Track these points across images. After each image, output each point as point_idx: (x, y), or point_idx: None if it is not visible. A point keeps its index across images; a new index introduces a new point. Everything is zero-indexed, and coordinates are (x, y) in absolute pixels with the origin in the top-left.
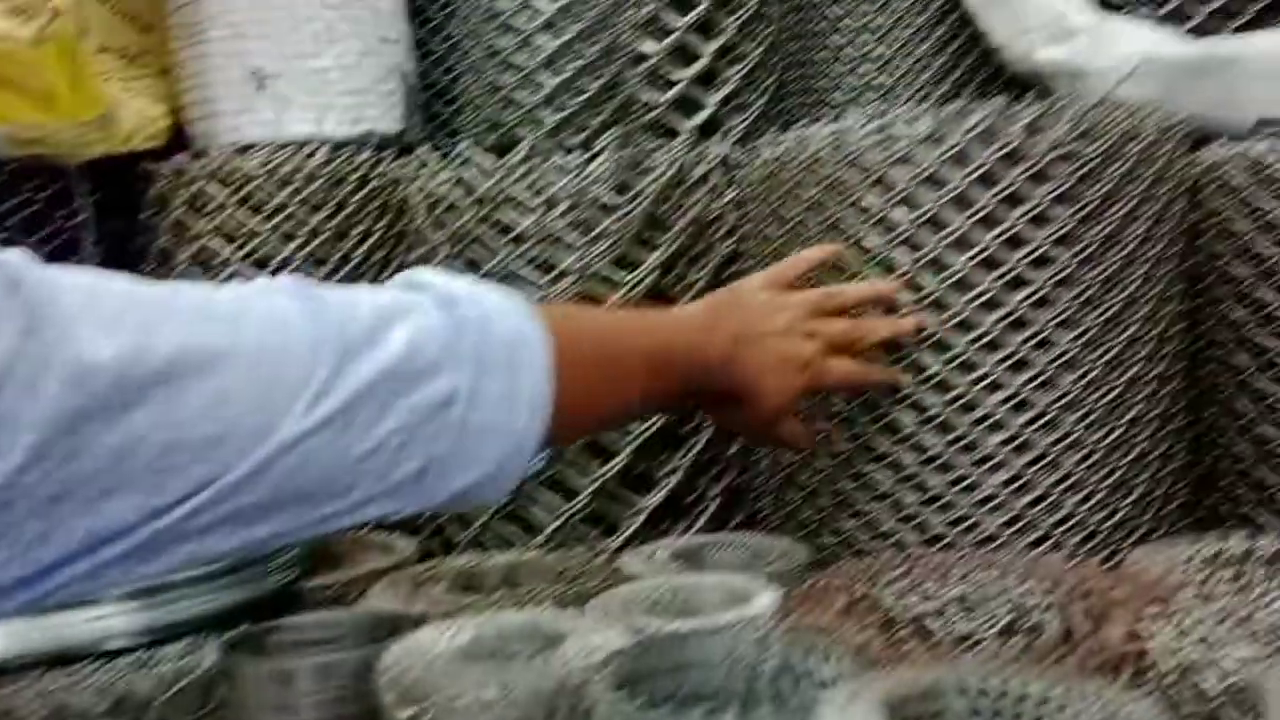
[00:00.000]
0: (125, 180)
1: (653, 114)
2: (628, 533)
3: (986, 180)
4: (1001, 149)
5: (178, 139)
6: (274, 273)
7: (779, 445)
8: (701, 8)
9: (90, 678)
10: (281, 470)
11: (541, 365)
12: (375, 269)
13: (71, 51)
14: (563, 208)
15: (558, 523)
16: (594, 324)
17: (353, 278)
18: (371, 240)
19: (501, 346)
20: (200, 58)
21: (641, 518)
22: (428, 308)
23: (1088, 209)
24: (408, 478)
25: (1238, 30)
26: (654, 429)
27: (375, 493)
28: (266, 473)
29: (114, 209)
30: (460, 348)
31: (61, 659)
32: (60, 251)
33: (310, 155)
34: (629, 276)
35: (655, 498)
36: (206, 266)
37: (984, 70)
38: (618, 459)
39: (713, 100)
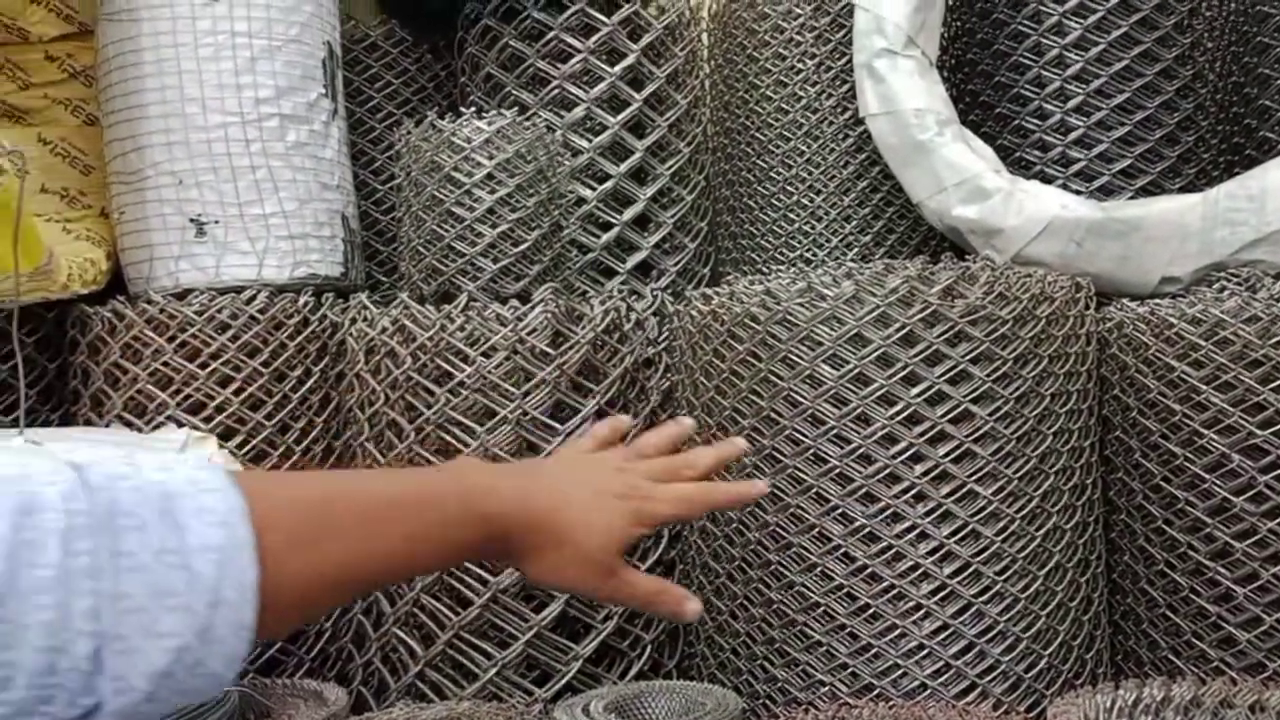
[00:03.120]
0: (60, 323)
1: (590, 255)
2: (562, 681)
3: (907, 340)
4: (920, 312)
5: (115, 280)
6: (209, 417)
7: (621, 602)
8: (636, 156)
9: None
10: None
11: (220, 512)
12: (314, 411)
13: (13, 208)
14: (500, 356)
15: (492, 670)
16: (325, 477)
17: (291, 420)
18: (310, 383)
19: (145, 502)
20: (139, 204)
21: (576, 665)
22: (55, 477)
23: (1003, 368)
24: (78, 663)
25: (1140, 190)
26: None
27: (46, 685)
28: None
29: (48, 350)
30: (90, 511)
31: None
32: None
33: (249, 300)
34: (566, 424)
35: (589, 645)
36: (141, 412)
37: (904, 222)
38: (552, 606)
39: (648, 242)
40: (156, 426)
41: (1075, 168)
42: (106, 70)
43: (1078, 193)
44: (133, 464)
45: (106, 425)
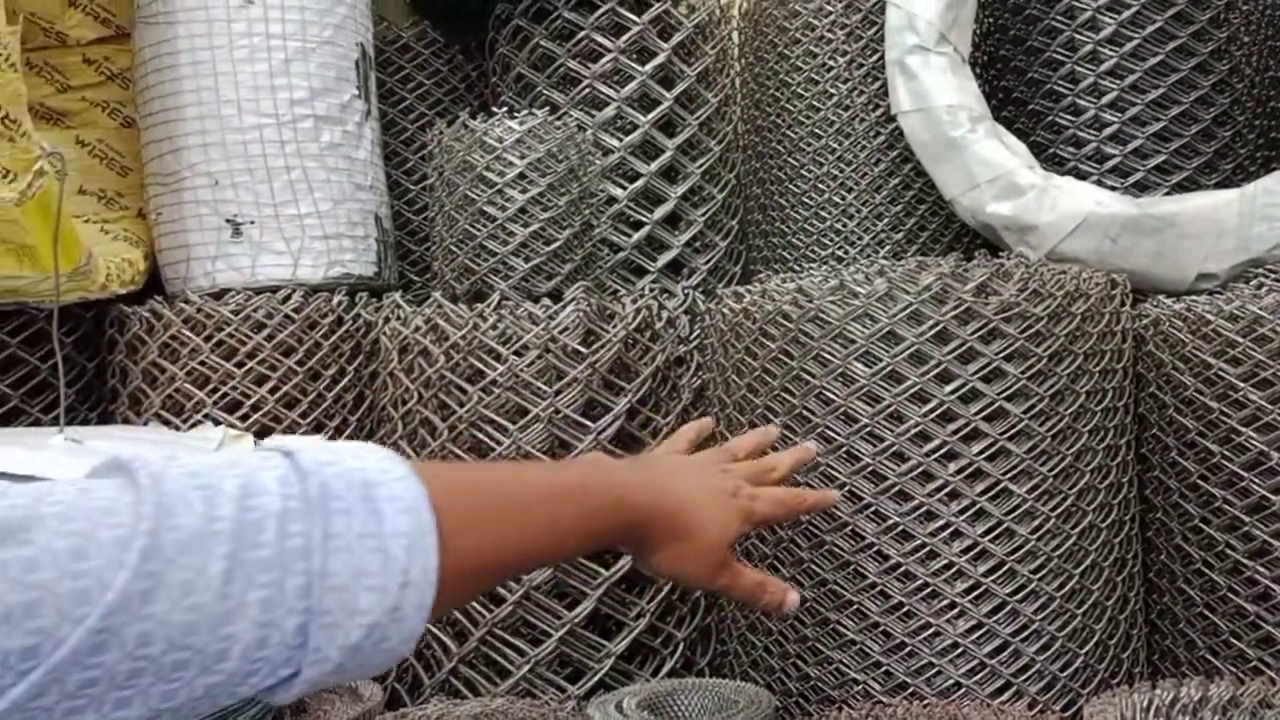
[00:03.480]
0: (99, 322)
1: (621, 254)
2: (595, 678)
3: (940, 338)
4: (953, 309)
5: (153, 280)
6: (245, 416)
7: (729, 593)
8: (667, 155)
9: None
10: (122, 637)
11: (408, 499)
12: (348, 410)
13: (52, 208)
14: (532, 355)
15: (525, 667)
16: (482, 467)
17: (326, 418)
18: (344, 381)
19: (351, 488)
20: (176, 205)
21: (609, 662)
22: (267, 463)
23: (1037, 365)
24: (287, 638)
25: (1175, 186)
26: (620, 573)
27: (256, 659)
28: (103, 640)
29: (87, 349)
30: (303, 495)
31: None
32: (34, 393)
33: (285, 300)
34: (598, 422)
35: (622, 643)
36: (179, 410)
37: (936, 219)
38: (585, 603)
39: (679, 240)
40: (194, 425)
41: (1110, 164)
42: (143, 73)
43: (1112, 189)
44: (334, 451)
45: (145, 423)
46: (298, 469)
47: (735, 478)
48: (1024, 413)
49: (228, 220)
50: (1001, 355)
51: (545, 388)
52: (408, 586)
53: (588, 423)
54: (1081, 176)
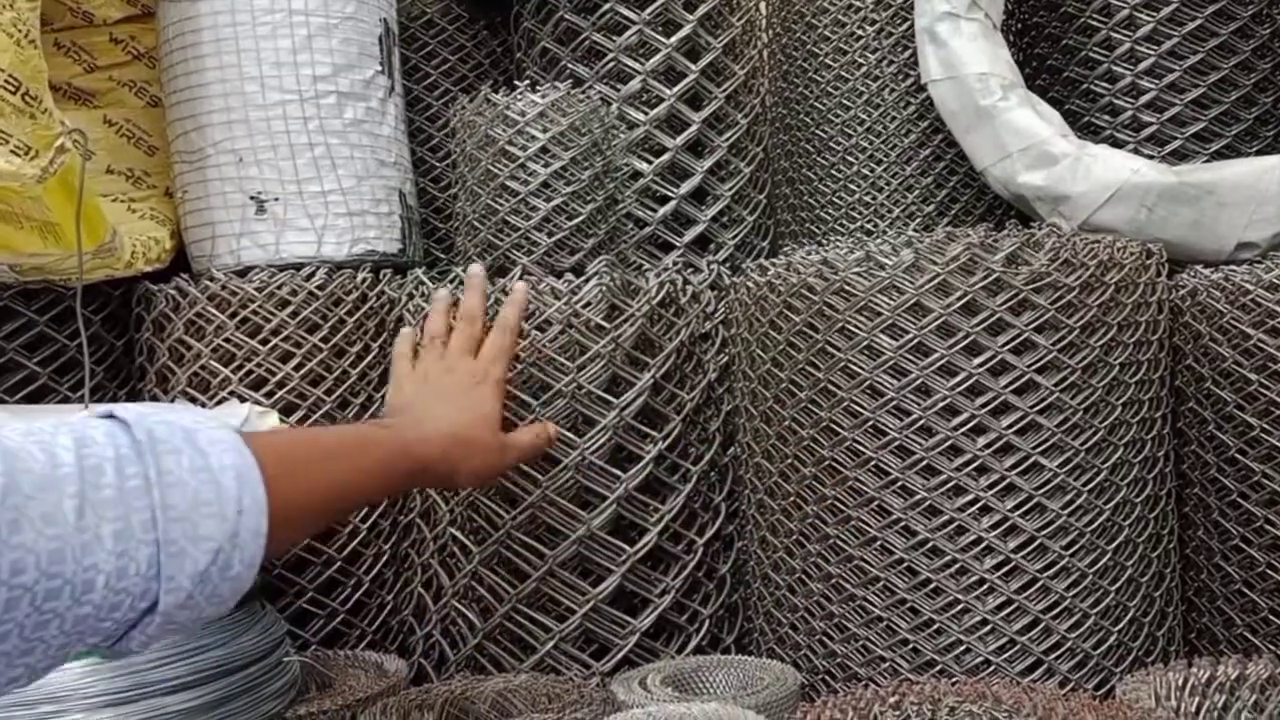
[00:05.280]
0: (127, 300)
1: (646, 229)
2: (619, 655)
3: (969, 309)
4: (982, 279)
5: (180, 258)
6: (270, 393)
7: (520, 461)
8: (693, 128)
9: None
10: None
11: (228, 441)
12: (373, 386)
13: (75, 185)
14: (555, 330)
15: (550, 643)
16: (286, 429)
17: (351, 395)
18: (369, 358)
19: (174, 433)
20: (201, 183)
21: (633, 639)
22: (92, 422)
23: (1069, 337)
24: (142, 569)
25: (1214, 154)
26: (645, 550)
27: (118, 589)
28: None
29: (115, 327)
30: (132, 442)
31: None
32: (62, 371)
33: (309, 277)
34: (621, 397)
35: (647, 619)
36: (205, 387)
37: (968, 191)
38: (609, 580)
39: (705, 215)
40: (220, 402)
41: (1146, 132)
42: (168, 50)
43: (1149, 157)
44: (152, 407)
45: (172, 401)
46: (121, 422)
47: (460, 367)
48: (1055, 386)
49: (252, 197)
50: (1032, 327)
51: (568, 363)
52: (242, 513)
53: (611, 398)
54: (1117, 145)
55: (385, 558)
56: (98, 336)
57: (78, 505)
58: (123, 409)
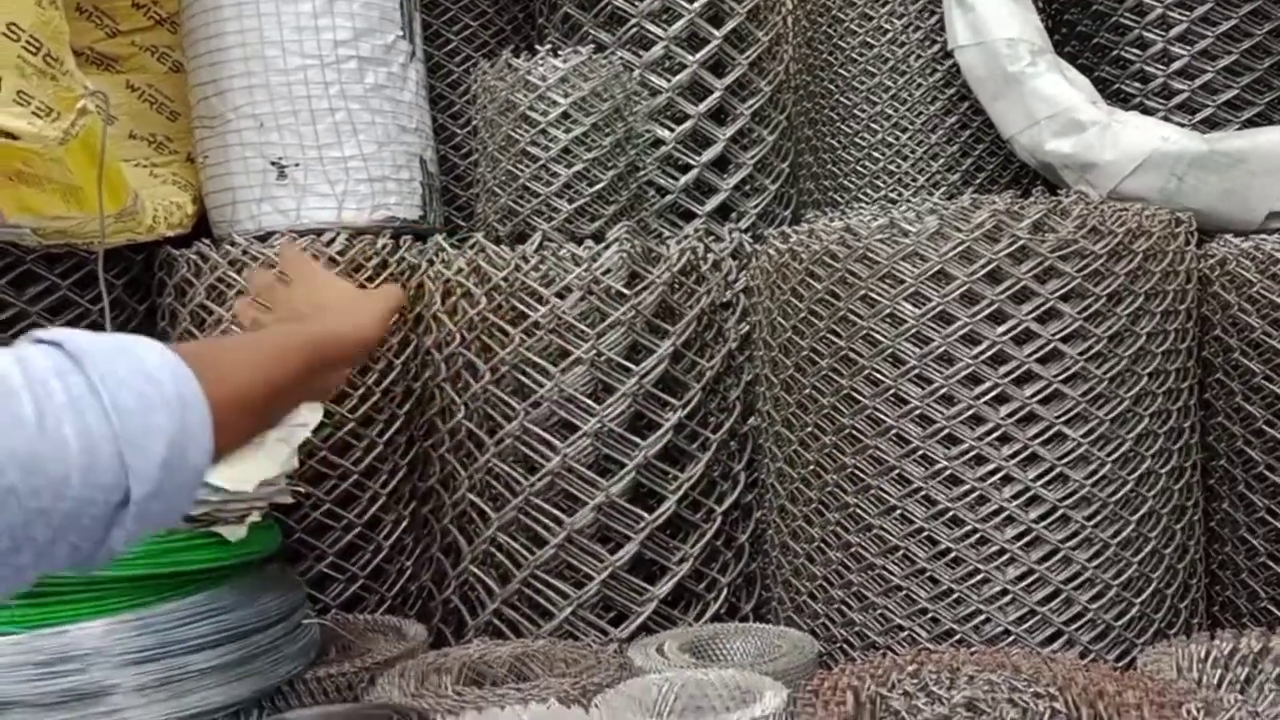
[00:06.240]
0: (149, 265)
1: (668, 198)
2: (637, 621)
3: (993, 277)
4: (1007, 247)
5: (201, 222)
6: None
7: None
8: (716, 95)
9: None
10: None
11: (155, 348)
12: (392, 352)
13: (97, 148)
14: (575, 297)
15: (568, 609)
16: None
17: (371, 360)
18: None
19: (102, 345)
20: (222, 148)
21: (651, 606)
22: (22, 345)
23: (1095, 306)
24: (110, 463)
25: (1247, 123)
26: (664, 518)
27: (92, 485)
28: None
29: (137, 292)
30: (67, 354)
31: None
32: None
33: (329, 242)
34: (641, 365)
35: (665, 586)
36: None
37: (994, 159)
38: (628, 547)
39: (727, 184)
40: None
41: (1177, 99)
42: (189, 15)
43: (1180, 125)
44: (73, 329)
45: None
46: (50, 341)
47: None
48: (1080, 355)
49: (272, 163)
50: (1057, 295)
51: (588, 330)
52: (187, 406)
53: (631, 366)
54: (1148, 113)
55: (405, 523)
56: (120, 301)
57: (36, 411)
58: (49, 333)
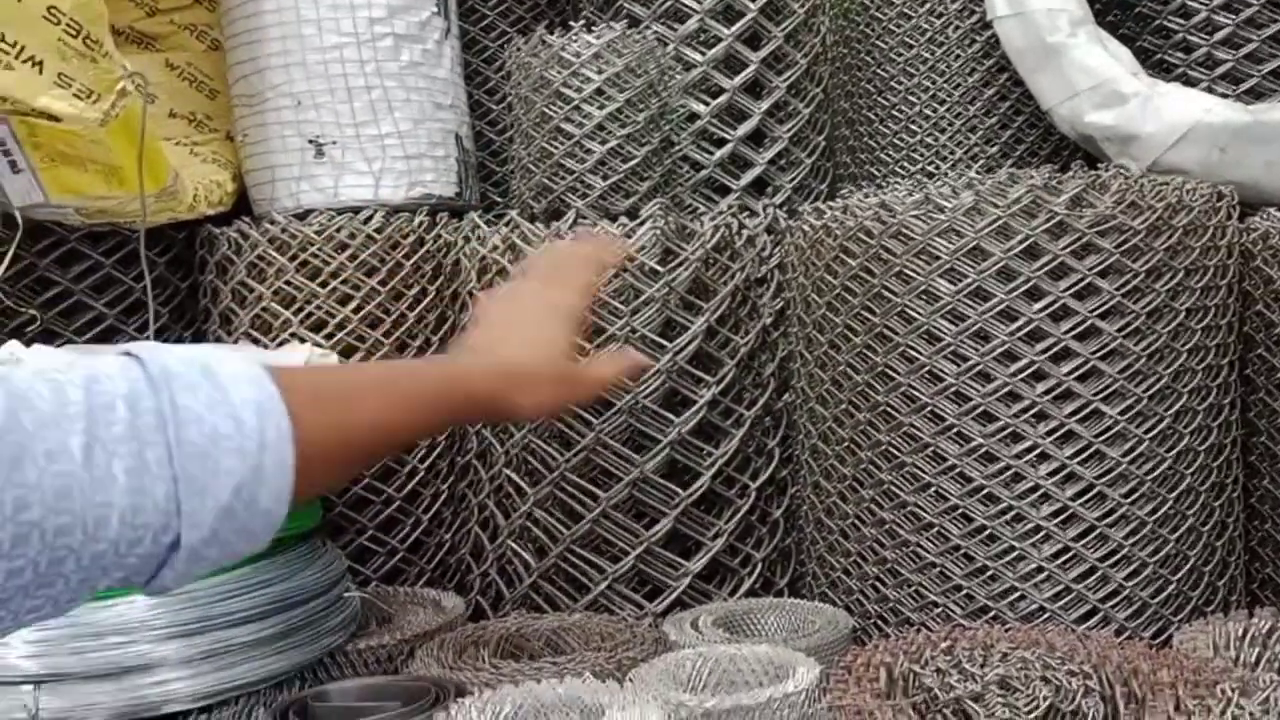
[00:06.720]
0: (191, 243)
1: (703, 172)
2: (672, 596)
3: (1030, 253)
4: (1045, 223)
5: (241, 201)
6: (330, 335)
7: (593, 394)
8: (751, 69)
9: None
10: (2, 506)
11: (249, 375)
12: (430, 329)
13: (137, 128)
14: (608, 273)
15: (603, 584)
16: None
17: (409, 338)
18: (426, 301)
19: (191, 368)
20: (261, 126)
21: (686, 581)
22: (106, 358)
23: (1134, 282)
24: (159, 503)
25: None
26: (699, 493)
27: (136, 525)
28: None
29: (179, 270)
30: (146, 377)
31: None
32: (129, 312)
33: (366, 220)
34: (675, 342)
35: (700, 561)
36: (267, 329)
37: (1033, 131)
38: (664, 522)
39: (763, 158)
40: (281, 343)
41: (1221, 69)
42: None
43: (1223, 96)
44: (169, 346)
45: (235, 343)
46: (136, 358)
47: (533, 297)
48: (1118, 331)
49: (310, 141)
50: (1095, 271)
51: (622, 307)
52: (265, 448)
53: (665, 342)
54: (1190, 83)
55: (443, 497)
56: (163, 279)
57: (85, 442)
58: (139, 347)
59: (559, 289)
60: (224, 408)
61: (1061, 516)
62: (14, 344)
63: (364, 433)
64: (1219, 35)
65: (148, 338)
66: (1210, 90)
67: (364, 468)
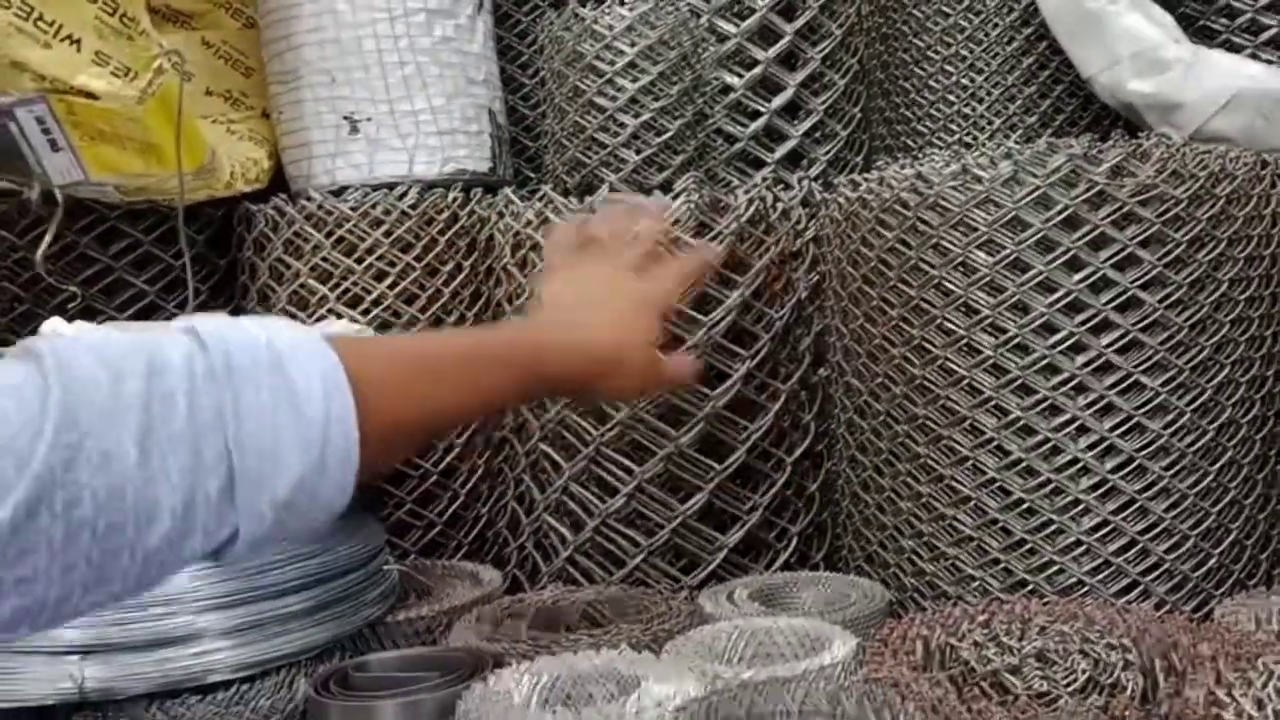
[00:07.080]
0: (229, 220)
1: (737, 146)
2: (708, 569)
3: (1070, 223)
4: (1085, 192)
5: (277, 177)
6: (366, 310)
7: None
8: (786, 40)
9: (190, 710)
10: (51, 502)
11: (318, 363)
12: (464, 305)
13: (174, 106)
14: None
15: (639, 557)
16: (398, 337)
17: (444, 314)
18: (461, 277)
19: (257, 358)
20: (296, 103)
21: (722, 554)
22: (172, 341)
23: (1176, 252)
24: (212, 499)
25: None
26: (734, 467)
27: (188, 520)
28: (35, 508)
29: (218, 247)
30: (209, 368)
31: (165, 692)
32: (169, 289)
33: (401, 196)
34: (709, 315)
35: (735, 535)
36: (304, 305)
37: (1073, 100)
38: (699, 496)
39: (797, 130)
40: (319, 319)
41: (1266, 35)
42: None
43: (1268, 63)
44: (238, 326)
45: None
46: (202, 345)
47: (627, 282)
48: (1159, 302)
49: (345, 117)
50: (1136, 241)
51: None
52: (328, 443)
53: (699, 316)
54: (1234, 49)
55: (480, 472)
56: (202, 256)
57: (140, 440)
58: (203, 322)
59: (646, 274)
60: (287, 401)
61: (1101, 490)
62: (56, 320)
63: (435, 417)
64: (1263, 1)
65: (188, 314)
66: (1254, 57)
67: (428, 443)
